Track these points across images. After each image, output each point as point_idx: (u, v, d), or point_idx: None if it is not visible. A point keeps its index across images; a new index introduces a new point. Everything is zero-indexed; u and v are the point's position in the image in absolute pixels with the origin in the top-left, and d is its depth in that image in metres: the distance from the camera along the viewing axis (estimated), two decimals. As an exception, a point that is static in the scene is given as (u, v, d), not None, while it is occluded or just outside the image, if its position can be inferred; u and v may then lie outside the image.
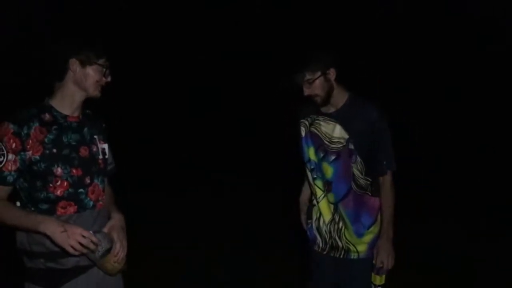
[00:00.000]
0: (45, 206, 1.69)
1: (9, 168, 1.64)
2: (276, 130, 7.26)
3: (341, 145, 2.16)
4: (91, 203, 1.77)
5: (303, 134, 2.29)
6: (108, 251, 1.64)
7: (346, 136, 2.15)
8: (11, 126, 1.63)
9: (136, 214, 2.78)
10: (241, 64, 8.88)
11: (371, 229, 2.20)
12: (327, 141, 2.19)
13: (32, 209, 1.69)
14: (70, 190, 1.71)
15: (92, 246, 1.57)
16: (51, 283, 1.72)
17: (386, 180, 2.15)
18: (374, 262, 2.12)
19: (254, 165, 6.31)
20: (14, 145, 1.63)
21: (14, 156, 1.63)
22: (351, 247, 2.21)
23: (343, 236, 2.21)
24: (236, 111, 8.24)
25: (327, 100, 2.13)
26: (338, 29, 8.45)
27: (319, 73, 2.08)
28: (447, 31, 8.45)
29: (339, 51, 2.22)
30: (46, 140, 1.68)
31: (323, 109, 2.18)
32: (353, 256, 2.22)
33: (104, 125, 1.93)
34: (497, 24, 7.97)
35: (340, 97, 2.16)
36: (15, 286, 1.93)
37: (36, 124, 1.68)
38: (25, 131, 1.64)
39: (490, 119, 7.66)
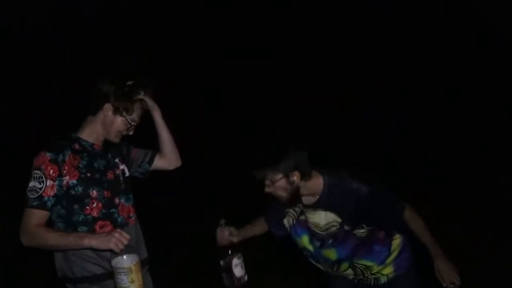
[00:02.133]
0: (84, 228, 1.80)
1: (48, 193, 1.75)
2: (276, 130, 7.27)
3: (335, 228, 2.00)
4: (124, 220, 1.91)
5: (287, 224, 2.14)
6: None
7: (339, 220, 1.99)
8: (48, 154, 1.77)
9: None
10: (241, 64, 8.88)
11: (392, 253, 2.13)
12: (319, 230, 2.03)
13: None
14: (104, 210, 1.84)
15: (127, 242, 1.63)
16: None
17: (406, 217, 2.02)
18: (444, 285, 2.03)
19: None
20: (51, 171, 1.75)
21: (52, 182, 1.75)
22: (379, 275, 2.15)
23: (368, 272, 2.14)
24: (236, 111, 8.24)
25: (293, 201, 1.98)
26: (338, 28, 8.46)
27: (280, 175, 1.90)
28: (447, 31, 8.45)
29: (304, 151, 1.97)
30: (80, 165, 1.82)
31: (304, 201, 2.02)
32: (383, 280, 2.15)
33: (122, 146, 2.09)
34: (497, 24, 7.97)
35: (315, 188, 1.97)
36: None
37: (69, 152, 1.82)
38: (61, 158, 1.77)
39: (490, 119, 7.65)
